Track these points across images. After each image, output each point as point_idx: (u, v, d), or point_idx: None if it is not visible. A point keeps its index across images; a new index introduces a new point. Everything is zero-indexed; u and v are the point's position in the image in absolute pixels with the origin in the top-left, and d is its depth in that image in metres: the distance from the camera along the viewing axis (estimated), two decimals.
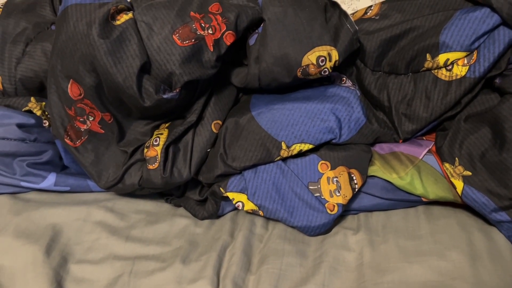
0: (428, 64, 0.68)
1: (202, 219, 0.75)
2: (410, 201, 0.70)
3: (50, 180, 0.75)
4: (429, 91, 0.69)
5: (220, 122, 0.73)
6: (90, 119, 0.70)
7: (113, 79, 0.62)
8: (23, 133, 0.74)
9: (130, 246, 0.69)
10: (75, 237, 0.70)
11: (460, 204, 0.70)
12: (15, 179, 0.74)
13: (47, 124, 0.75)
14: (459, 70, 0.67)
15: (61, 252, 0.67)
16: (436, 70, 0.69)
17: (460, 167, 0.66)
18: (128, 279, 0.64)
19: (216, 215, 0.74)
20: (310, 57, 0.66)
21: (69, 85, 0.67)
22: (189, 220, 0.74)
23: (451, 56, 0.67)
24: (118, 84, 0.62)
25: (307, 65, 0.66)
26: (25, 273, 0.62)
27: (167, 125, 0.72)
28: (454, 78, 0.67)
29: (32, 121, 0.75)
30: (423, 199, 0.69)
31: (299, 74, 0.67)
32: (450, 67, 0.68)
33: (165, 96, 0.64)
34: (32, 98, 0.76)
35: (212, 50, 0.65)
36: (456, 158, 0.67)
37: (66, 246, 0.68)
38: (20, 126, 0.74)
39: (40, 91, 0.78)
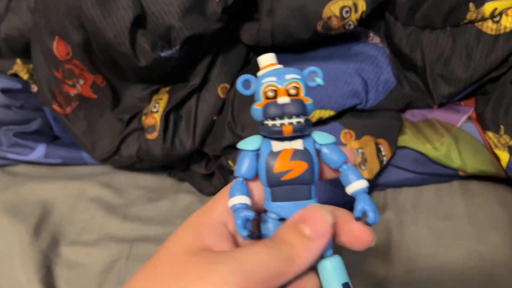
0: (470, 15, 0.59)
1: (209, 195, 0.68)
2: (445, 175, 0.63)
3: (40, 151, 0.69)
4: (471, 47, 0.60)
5: (227, 85, 0.64)
6: (81, 83, 0.63)
7: (103, 35, 0.54)
8: (9, 99, 0.68)
9: (128, 226, 0.63)
10: (68, 216, 0.64)
11: (502, 179, 0.63)
12: (1, 151, 0.69)
13: (35, 89, 0.69)
14: (509, 22, 0.57)
15: (52, 232, 0.61)
16: (480, 23, 0.59)
17: (506, 136, 0.58)
18: (125, 263, 0.58)
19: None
20: (333, 8, 0.57)
21: (54, 43, 0.59)
22: (194, 196, 0.68)
23: (500, 4, 0.57)
24: (109, 40, 0.54)
25: (329, 17, 0.57)
26: (11, 257, 0.56)
27: (167, 89, 0.64)
28: (502, 31, 0.58)
29: (18, 85, 0.69)
30: (460, 173, 0.62)
31: (319, 28, 0.59)
32: (497, 18, 0.58)
33: (163, 54, 0.56)
34: (18, 60, 0.70)
35: (217, 0, 0.56)
36: (502, 126, 0.58)
37: (57, 225, 0.62)
38: (4, 91, 0.68)
39: (27, 53, 0.70)
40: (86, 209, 0.65)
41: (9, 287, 0.53)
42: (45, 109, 0.70)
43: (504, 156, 0.58)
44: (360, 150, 0.60)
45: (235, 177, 0.29)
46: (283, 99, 0.27)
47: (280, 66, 0.29)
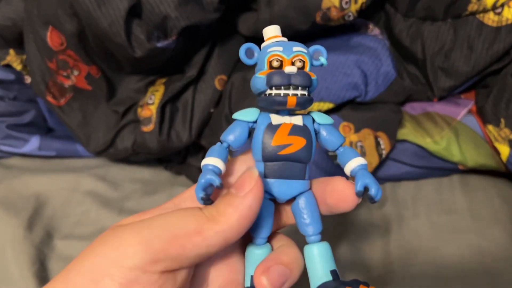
0: (472, 6, 0.58)
1: None
2: (445, 169, 0.62)
3: (34, 143, 0.68)
4: (472, 39, 0.59)
5: (225, 77, 0.63)
6: (75, 74, 0.61)
7: (97, 24, 0.53)
8: (2, 91, 0.67)
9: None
10: (62, 209, 0.62)
11: (502, 173, 0.62)
12: None
13: (28, 80, 0.68)
14: (511, 14, 0.56)
15: (46, 226, 0.59)
16: (481, 14, 0.58)
17: (506, 130, 0.57)
18: None
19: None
20: None
21: (48, 33, 0.58)
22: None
23: None
24: (103, 30, 0.53)
25: (328, 8, 0.56)
26: (4, 251, 0.55)
27: (163, 80, 0.63)
28: (504, 23, 0.57)
29: (11, 76, 0.68)
30: (460, 167, 0.61)
31: (318, 19, 0.57)
32: (499, 10, 0.57)
33: (159, 45, 0.54)
34: (11, 51, 0.68)
35: None
36: (502, 119, 0.57)
37: (51, 219, 0.61)
38: None
39: (20, 43, 0.69)
40: (80, 203, 0.63)
41: (2, 281, 0.52)
42: (39, 100, 0.69)
43: (504, 150, 0.57)
44: (359, 143, 0.59)
45: (219, 141, 0.27)
46: (290, 68, 0.26)
47: (285, 38, 0.28)
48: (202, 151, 0.67)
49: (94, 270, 0.23)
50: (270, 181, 0.27)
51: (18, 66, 0.67)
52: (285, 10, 0.57)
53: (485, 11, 0.58)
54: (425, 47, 0.61)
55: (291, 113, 0.28)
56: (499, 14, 0.57)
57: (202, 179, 0.25)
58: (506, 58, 0.59)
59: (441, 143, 0.60)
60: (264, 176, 0.27)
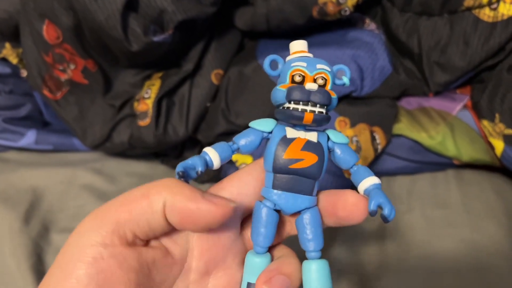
0: (468, 2, 0.58)
1: (202, 182, 0.67)
2: (440, 164, 0.62)
3: (30, 137, 0.68)
4: (468, 35, 0.59)
5: (221, 71, 0.63)
6: (71, 68, 0.61)
7: (94, 18, 0.52)
8: None
9: None
10: (59, 203, 0.62)
11: (496, 168, 0.62)
12: None
13: (24, 74, 0.67)
14: (507, 9, 0.56)
15: (42, 219, 0.59)
16: (477, 10, 0.58)
17: (501, 125, 0.57)
18: None
19: (218, 178, 0.66)
20: None
21: (44, 26, 0.58)
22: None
23: None
24: (100, 24, 0.53)
25: (325, 3, 0.56)
26: (1, 245, 0.55)
27: (160, 74, 0.63)
28: (499, 19, 0.57)
29: (7, 70, 0.67)
30: (455, 162, 0.62)
31: (315, 13, 0.57)
32: (495, 5, 0.57)
33: (155, 39, 0.54)
34: (7, 44, 0.67)
35: None
36: (497, 114, 0.58)
37: (48, 213, 0.61)
38: None
39: (16, 36, 0.68)
40: (77, 196, 0.63)
41: (0, 274, 0.52)
42: (35, 94, 0.68)
43: (498, 145, 0.58)
44: (354, 138, 0.59)
45: (232, 141, 0.28)
46: (311, 85, 0.26)
47: (310, 54, 0.28)
48: (198, 146, 0.67)
49: (63, 258, 0.24)
50: (278, 192, 0.27)
51: (14, 60, 0.67)
52: (282, 4, 0.57)
53: (481, 6, 0.58)
54: (421, 42, 0.62)
55: (307, 128, 0.28)
56: (494, 9, 0.57)
57: (190, 160, 0.26)
58: (502, 54, 0.59)
59: (437, 138, 0.60)
60: (272, 186, 0.27)
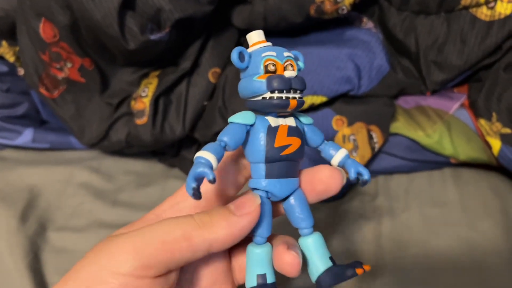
0: (465, 1, 0.58)
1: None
2: (437, 162, 0.62)
3: (27, 136, 0.68)
4: (465, 33, 0.59)
5: (218, 70, 0.63)
6: (68, 66, 0.61)
7: (90, 17, 0.52)
8: None
9: (117, 211, 0.61)
10: (56, 201, 0.62)
11: (493, 167, 0.62)
12: None
13: (21, 72, 0.67)
14: (504, 8, 0.56)
15: (39, 218, 0.59)
16: (474, 9, 0.58)
17: (498, 124, 0.57)
18: None
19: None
20: None
21: (41, 25, 0.57)
22: (185, 182, 0.66)
23: None
24: (97, 22, 0.52)
25: (322, 1, 0.56)
26: None
27: (157, 73, 0.63)
28: (496, 17, 0.57)
29: (4, 68, 0.67)
30: (452, 161, 0.62)
31: (312, 12, 0.57)
32: (492, 4, 0.57)
33: (152, 37, 0.54)
34: (3, 42, 0.67)
35: None
36: (494, 113, 0.58)
37: (45, 211, 0.61)
38: None
39: (13, 34, 0.68)
40: (74, 195, 0.63)
41: None
42: (32, 92, 0.68)
43: (495, 144, 0.58)
44: (352, 137, 0.59)
45: (218, 140, 0.27)
46: (290, 73, 0.27)
47: (269, 43, 0.29)
48: (195, 144, 0.67)
49: (89, 278, 0.25)
50: (272, 181, 0.28)
51: (11, 58, 0.67)
52: (279, 3, 0.57)
53: (478, 5, 0.58)
54: (418, 41, 0.62)
55: (279, 115, 0.29)
56: (492, 8, 0.57)
57: (196, 170, 0.24)
58: (498, 53, 0.59)
59: (434, 136, 0.60)
60: (266, 176, 0.28)
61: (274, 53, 0.27)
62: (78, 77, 0.62)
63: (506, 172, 0.62)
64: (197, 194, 0.25)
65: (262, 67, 0.27)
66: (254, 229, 0.28)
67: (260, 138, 0.28)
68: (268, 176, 0.28)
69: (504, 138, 0.57)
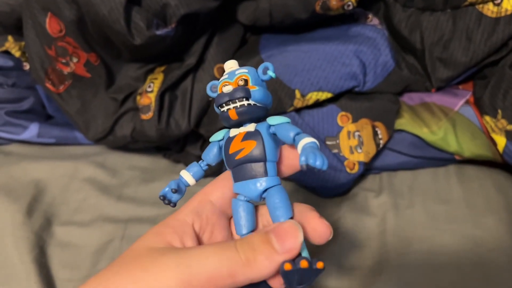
0: None
1: (204, 177, 0.66)
2: (442, 159, 0.62)
3: (33, 130, 0.68)
4: (471, 30, 0.59)
5: (224, 66, 0.63)
6: (74, 61, 0.61)
7: (96, 11, 0.52)
8: (0, 77, 0.67)
9: (122, 206, 0.62)
10: (61, 196, 0.63)
11: (498, 164, 0.62)
12: None
13: (27, 67, 0.67)
14: (510, 5, 0.56)
15: (45, 213, 0.60)
16: (481, 5, 0.58)
17: (503, 121, 0.57)
18: (119, 244, 0.57)
19: (219, 172, 0.66)
20: None
21: (47, 19, 0.58)
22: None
23: None
24: (103, 17, 0.53)
25: None
26: (3, 237, 0.55)
27: (162, 68, 0.63)
28: (503, 14, 0.57)
29: (10, 63, 0.67)
30: (457, 157, 0.61)
31: (317, 8, 0.57)
32: (498, 1, 0.57)
33: (158, 33, 0.54)
34: (9, 37, 0.68)
35: None
36: (499, 110, 0.58)
37: (50, 206, 0.61)
38: None
39: (19, 29, 0.68)
40: (79, 190, 0.63)
41: (2, 266, 0.52)
42: (37, 87, 0.69)
43: (500, 141, 0.58)
44: (357, 133, 0.59)
45: (202, 159, 0.33)
46: (226, 88, 0.30)
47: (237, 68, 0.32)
48: (200, 140, 0.67)
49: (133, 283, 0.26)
50: (239, 183, 0.31)
51: (16, 53, 0.67)
52: None
53: (484, 1, 0.58)
54: (423, 38, 0.61)
55: (245, 124, 0.31)
56: (498, 5, 0.57)
57: (167, 187, 0.32)
58: (504, 49, 0.59)
59: (438, 133, 0.60)
60: (234, 181, 0.31)
61: (226, 76, 0.31)
62: (83, 72, 0.62)
63: (511, 169, 0.61)
64: (165, 202, 0.32)
65: (219, 90, 0.31)
66: (237, 230, 0.31)
67: (222, 149, 0.32)
68: (236, 179, 0.31)
69: (509, 135, 0.57)
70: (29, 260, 0.53)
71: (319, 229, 0.29)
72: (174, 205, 0.32)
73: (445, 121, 0.61)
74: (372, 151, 0.59)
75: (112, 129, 0.63)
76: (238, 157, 0.30)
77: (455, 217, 0.57)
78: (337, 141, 0.60)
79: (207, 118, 0.63)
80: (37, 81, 0.63)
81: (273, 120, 0.31)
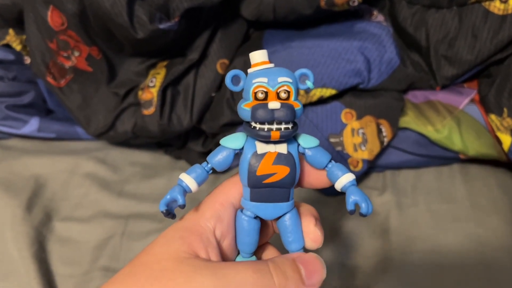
0: None
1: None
2: (446, 158, 0.62)
3: (33, 125, 0.67)
4: (477, 28, 0.58)
5: (227, 61, 0.62)
6: (76, 55, 0.60)
7: (99, 5, 0.52)
8: (1, 71, 0.66)
9: (123, 202, 0.61)
10: (61, 191, 0.62)
11: (502, 163, 0.62)
12: None
13: (28, 60, 0.67)
14: None
15: (45, 208, 0.59)
16: (487, 2, 0.58)
17: (509, 119, 0.57)
18: (120, 240, 0.56)
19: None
20: None
21: (49, 13, 0.57)
22: None
23: None
24: (105, 10, 0.52)
25: None
26: (3, 232, 0.55)
27: (165, 63, 0.62)
28: (510, 11, 0.56)
29: (11, 56, 0.67)
30: (461, 156, 0.61)
31: (322, 4, 0.57)
32: None
33: (161, 26, 0.53)
34: (10, 31, 0.67)
35: None
36: (505, 109, 0.57)
37: (50, 201, 0.61)
38: None
39: (20, 23, 0.68)
40: (80, 185, 0.63)
41: (2, 261, 0.52)
42: (38, 81, 0.68)
43: (506, 139, 0.57)
44: (361, 130, 0.59)
45: (206, 161, 0.28)
46: (273, 104, 0.26)
47: (272, 65, 0.28)
48: (202, 136, 0.66)
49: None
50: (257, 204, 0.28)
51: (17, 47, 0.66)
52: None
53: None
54: (429, 35, 0.61)
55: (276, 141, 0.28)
56: (505, 2, 0.57)
57: (169, 195, 0.27)
58: (510, 48, 0.58)
59: (443, 131, 0.59)
60: (250, 199, 0.28)
61: (265, 80, 0.26)
62: (85, 66, 0.62)
63: None
64: (168, 216, 0.27)
65: (251, 94, 0.26)
66: (240, 246, 0.30)
67: (244, 164, 0.28)
68: (253, 199, 0.28)
69: None
70: (28, 256, 0.52)
71: (311, 236, 0.29)
72: (175, 216, 0.28)
73: (450, 119, 0.60)
74: (376, 148, 0.59)
75: (113, 124, 0.63)
76: (267, 181, 0.27)
77: (459, 216, 0.56)
78: (341, 138, 0.59)
79: (209, 114, 0.63)
80: (38, 75, 0.62)
81: (305, 141, 0.29)
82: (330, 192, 0.61)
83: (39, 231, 0.56)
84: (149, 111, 0.59)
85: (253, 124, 0.26)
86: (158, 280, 0.25)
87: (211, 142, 0.65)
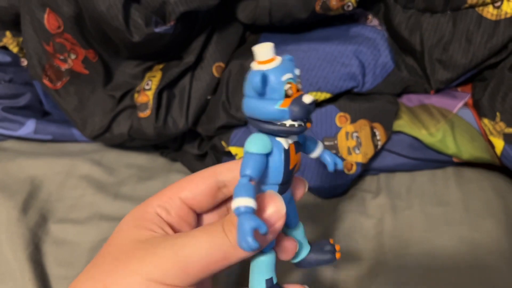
0: None
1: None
2: (440, 161, 0.62)
3: (29, 127, 0.67)
4: (471, 32, 0.59)
5: (222, 64, 0.63)
6: (72, 57, 0.61)
7: (95, 8, 0.52)
8: None
9: (119, 204, 0.61)
10: (57, 193, 0.62)
11: (496, 167, 0.62)
12: None
13: (25, 63, 0.67)
14: (510, 8, 0.56)
15: (40, 209, 0.59)
16: (481, 8, 0.58)
17: (501, 123, 0.57)
18: None
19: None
20: None
21: (45, 15, 0.57)
22: (188, 174, 0.66)
23: None
24: (101, 13, 0.52)
25: None
26: None
27: (160, 66, 0.63)
28: (503, 17, 0.57)
29: (7, 58, 0.67)
30: (455, 160, 0.61)
31: (317, 8, 0.57)
32: (498, 3, 0.57)
33: (157, 30, 0.54)
34: (7, 33, 0.67)
35: None
36: (498, 113, 0.58)
37: (46, 202, 0.61)
38: None
39: (17, 25, 0.68)
40: (75, 187, 0.63)
41: None
42: (35, 83, 0.68)
43: (498, 144, 0.58)
44: (355, 134, 0.59)
45: (243, 176, 0.26)
46: (308, 98, 0.26)
47: (280, 58, 0.27)
48: (198, 139, 0.67)
49: (134, 285, 0.26)
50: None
51: (14, 49, 0.66)
52: None
53: (484, 4, 0.58)
54: (423, 39, 0.61)
55: None
56: (498, 7, 0.57)
57: (247, 225, 0.23)
58: (504, 52, 0.59)
59: (437, 135, 0.60)
60: (280, 192, 0.29)
61: (291, 75, 0.26)
62: (81, 68, 0.62)
63: (509, 172, 0.62)
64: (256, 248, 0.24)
65: (283, 92, 0.26)
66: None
67: (279, 163, 0.27)
68: (281, 192, 0.29)
69: (507, 138, 0.57)
70: (23, 257, 0.52)
71: (285, 246, 0.32)
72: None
73: (444, 123, 0.60)
74: (370, 152, 0.59)
75: (109, 127, 0.63)
76: (295, 171, 0.29)
77: (453, 219, 0.57)
78: (335, 141, 0.59)
79: (206, 116, 0.63)
80: (34, 77, 0.62)
81: None
82: (324, 194, 0.61)
83: (34, 233, 0.56)
84: (145, 113, 0.60)
85: (289, 122, 0.26)
86: (120, 260, 0.27)
87: (207, 145, 0.65)
